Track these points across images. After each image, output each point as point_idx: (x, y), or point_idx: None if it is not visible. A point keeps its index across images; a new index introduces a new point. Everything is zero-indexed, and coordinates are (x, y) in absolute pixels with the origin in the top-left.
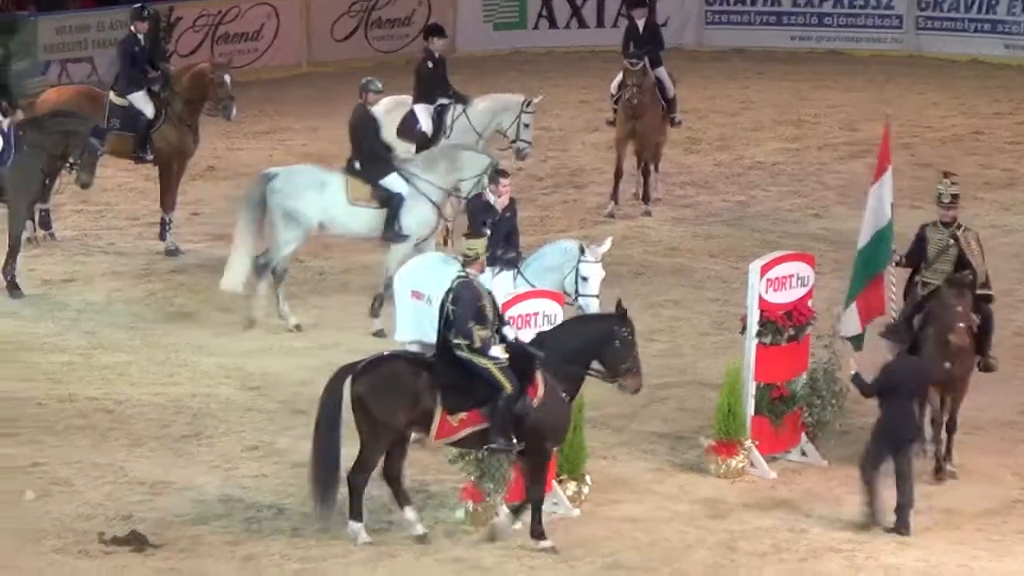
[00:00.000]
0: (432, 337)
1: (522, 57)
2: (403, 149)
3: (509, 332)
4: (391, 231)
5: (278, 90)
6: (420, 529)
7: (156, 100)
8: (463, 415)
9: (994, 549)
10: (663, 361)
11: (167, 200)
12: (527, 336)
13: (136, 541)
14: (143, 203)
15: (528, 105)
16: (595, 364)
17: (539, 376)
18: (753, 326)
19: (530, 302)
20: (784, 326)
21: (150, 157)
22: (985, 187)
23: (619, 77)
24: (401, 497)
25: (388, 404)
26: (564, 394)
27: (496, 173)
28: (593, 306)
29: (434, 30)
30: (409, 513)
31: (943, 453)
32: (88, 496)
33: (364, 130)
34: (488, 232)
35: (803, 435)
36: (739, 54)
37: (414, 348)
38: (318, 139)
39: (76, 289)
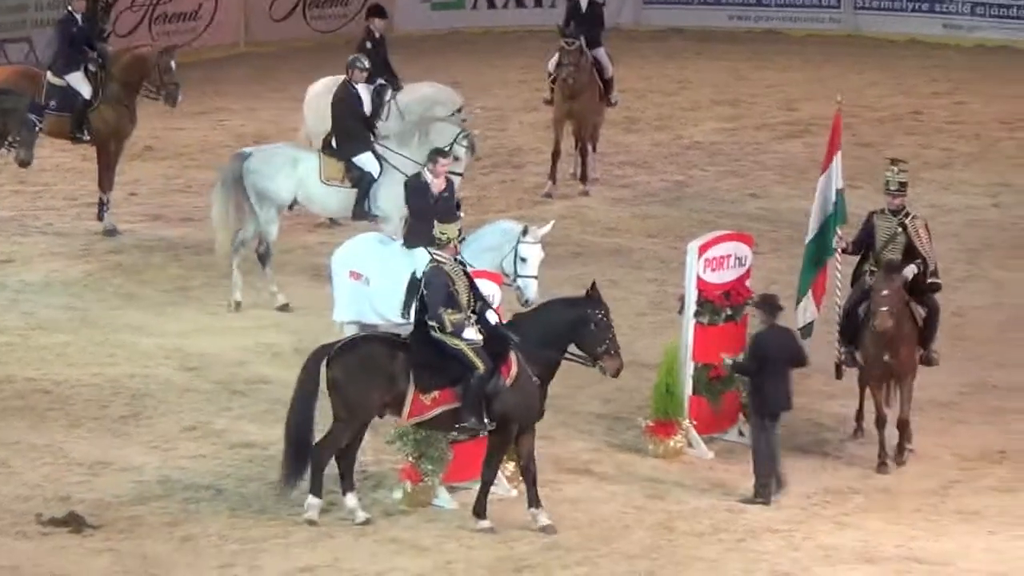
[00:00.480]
0: (371, 318)
1: (460, 37)
2: None
3: (491, 316)
4: (361, 210)
5: (216, 70)
6: (361, 516)
7: (93, 80)
8: (436, 394)
9: (932, 529)
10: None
11: (105, 180)
12: (500, 319)
13: (74, 522)
14: (81, 183)
15: (459, 112)
16: (573, 348)
17: (513, 358)
18: (691, 306)
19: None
20: (722, 306)
21: (87, 138)
22: (924, 167)
23: (556, 56)
24: (347, 482)
25: (363, 386)
26: (536, 378)
27: (435, 152)
28: (532, 287)
29: (375, 10)
30: (350, 500)
31: (884, 450)
32: (26, 477)
33: (343, 107)
34: (461, 215)
35: (740, 415)
36: (677, 34)
37: (351, 328)
38: (256, 119)
39: (14, 270)
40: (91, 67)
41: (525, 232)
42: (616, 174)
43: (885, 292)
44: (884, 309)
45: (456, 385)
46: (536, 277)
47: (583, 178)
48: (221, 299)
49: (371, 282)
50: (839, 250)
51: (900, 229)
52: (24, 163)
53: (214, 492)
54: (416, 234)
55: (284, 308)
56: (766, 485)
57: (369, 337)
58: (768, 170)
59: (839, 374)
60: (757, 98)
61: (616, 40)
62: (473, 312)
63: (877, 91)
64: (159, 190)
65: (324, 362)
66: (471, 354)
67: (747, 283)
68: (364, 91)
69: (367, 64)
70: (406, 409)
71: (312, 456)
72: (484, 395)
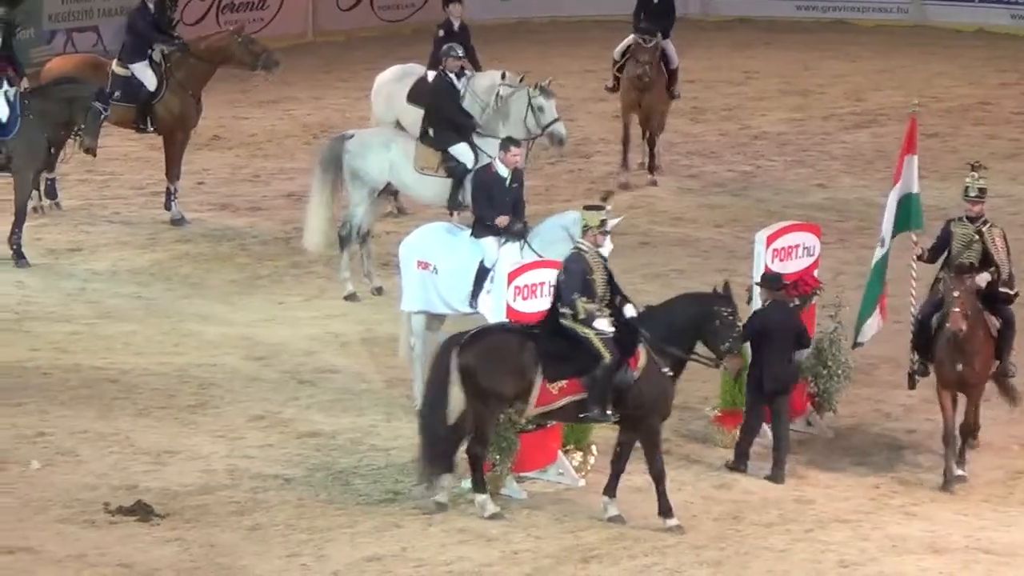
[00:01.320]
0: (439, 307)
1: (527, 26)
2: (415, 114)
3: (629, 310)
4: (455, 202)
5: (284, 59)
6: (443, 498)
7: (158, 71)
8: (563, 383)
9: (1000, 519)
10: None
11: (172, 169)
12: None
13: (142, 511)
14: (148, 172)
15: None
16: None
17: (641, 350)
18: (758, 295)
19: (536, 272)
20: (790, 296)
21: (152, 128)
22: (991, 158)
23: (625, 43)
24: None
25: (495, 374)
26: (667, 370)
27: (508, 141)
28: None
29: None
30: (445, 480)
31: (952, 467)
32: (93, 466)
33: (440, 97)
34: (608, 206)
35: (809, 405)
36: (744, 23)
37: (419, 318)
38: (323, 108)
39: (81, 259)
40: (156, 57)
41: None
42: (683, 164)
43: (956, 293)
44: (956, 310)
45: (583, 375)
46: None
47: (651, 168)
48: (288, 288)
49: (439, 271)
50: (915, 257)
51: (977, 236)
52: (89, 150)
53: (281, 481)
54: (483, 224)
55: (378, 291)
56: (742, 455)
57: (499, 326)
58: (835, 160)
59: (912, 384)
60: (824, 88)
61: (683, 30)
62: (611, 305)
63: (944, 81)
64: (226, 179)
65: (454, 352)
66: (598, 343)
67: (815, 273)
68: (457, 80)
69: (461, 53)
70: (533, 398)
71: (468, 456)
72: (611, 386)
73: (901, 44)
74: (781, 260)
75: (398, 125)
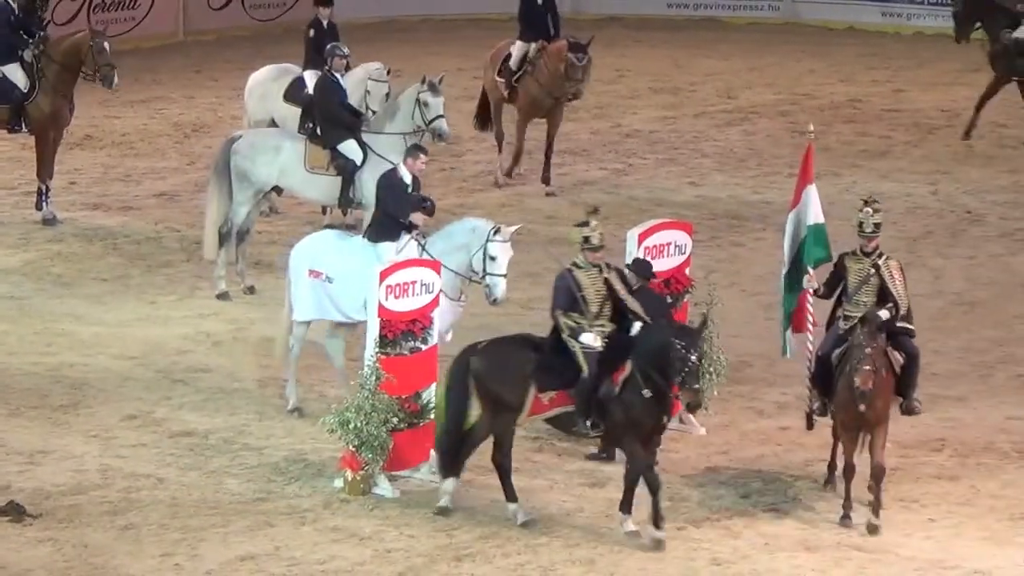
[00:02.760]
0: (335, 315)
1: (397, 25)
2: (290, 113)
3: (635, 329)
4: (346, 199)
5: (155, 59)
6: (447, 502)
7: (30, 71)
8: (553, 395)
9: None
10: (544, 331)
11: (44, 169)
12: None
13: (14, 511)
14: (19, 172)
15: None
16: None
17: (628, 367)
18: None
19: (408, 271)
20: (662, 294)
21: (25, 128)
22: (862, 155)
23: (520, 53)
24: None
25: (501, 382)
26: (647, 391)
27: (416, 148)
28: (500, 286)
29: None
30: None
31: (849, 501)
32: None
33: (326, 95)
34: (592, 221)
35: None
36: (616, 21)
37: (302, 326)
38: (195, 108)
39: None
40: (27, 57)
41: (496, 231)
42: (555, 162)
43: (869, 350)
44: (867, 368)
45: (571, 388)
46: (505, 276)
47: (549, 179)
48: (160, 288)
49: (333, 279)
50: (811, 291)
51: (873, 271)
52: None
53: (154, 481)
54: (381, 228)
55: (250, 290)
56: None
57: (511, 338)
58: (707, 158)
59: (810, 424)
60: (696, 86)
61: None
62: (617, 320)
63: (815, 79)
64: (98, 179)
65: (471, 360)
66: (580, 358)
67: (687, 271)
68: (343, 79)
69: (346, 51)
70: (526, 407)
71: (495, 467)
72: (591, 399)
73: (772, 42)
74: (653, 258)
75: (272, 124)
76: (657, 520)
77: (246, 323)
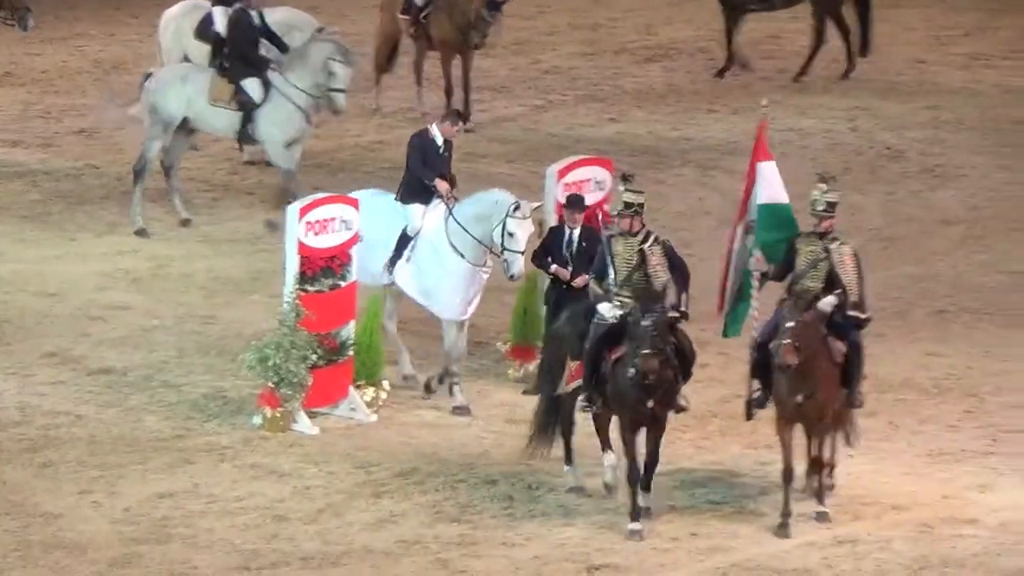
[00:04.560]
0: (362, 277)
1: None
2: (202, 50)
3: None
4: (244, 135)
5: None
6: (576, 480)
7: None
8: (577, 364)
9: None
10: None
11: None
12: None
13: None
14: None
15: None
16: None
17: (624, 346)
18: (548, 228)
19: (328, 207)
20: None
21: None
22: (782, 91)
23: None
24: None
25: (557, 349)
26: (632, 370)
27: (456, 114)
28: (518, 263)
29: None
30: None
31: (788, 508)
32: None
33: (239, 31)
34: (622, 187)
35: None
36: None
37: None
38: (114, 44)
39: None
40: None
41: (516, 208)
42: (474, 99)
43: (791, 323)
44: (787, 342)
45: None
46: (523, 252)
47: (468, 116)
48: (80, 225)
49: (364, 239)
50: (757, 275)
51: (824, 254)
52: None
53: (73, 418)
54: (410, 190)
55: (185, 223)
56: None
57: (586, 301)
58: (626, 94)
59: (749, 415)
60: (616, 22)
61: None
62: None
63: None
64: (17, 116)
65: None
66: (591, 327)
67: (606, 207)
68: (256, 16)
69: None
70: (567, 373)
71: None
72: (592, 373)
73: None
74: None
75: (186, 59)
76: (634, 512)
77: (165, 260)
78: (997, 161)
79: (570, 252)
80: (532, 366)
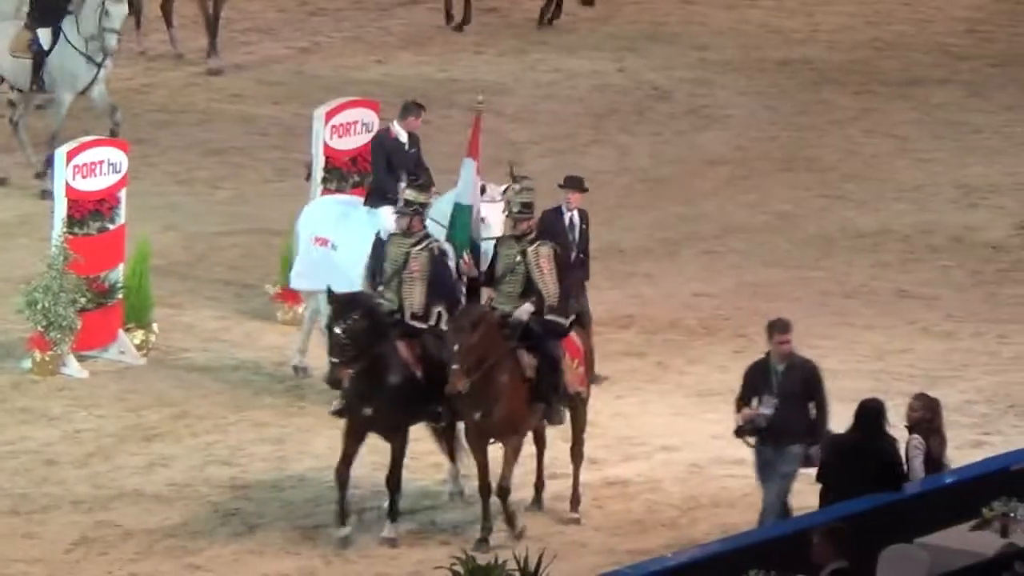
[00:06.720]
0: (336, 283)
1: None
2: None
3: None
4: (34, 79)
5: None
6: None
7: None
8: None
9: None
10: (228, 208)
11: None
12: None
13: None
14: None
15: None
16: None
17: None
18: (318, 172)
19: (95, 150)
20: (349, 172)
21: None
22: (549, 31)
23: None
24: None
25: None
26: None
27: (415, 106)
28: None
29: None
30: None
31: (488, 522)
32: None
33: None
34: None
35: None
36: None
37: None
38: None
39: None
40: None
41: (483, 191)
42: (241, 40)
43: (456, 347)
44: (456, 367)
45: None
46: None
47: (215, 51)
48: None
49: (338, 247)
50: (464, 279)
51: (520, 258)
52: None
53: None
54: (379, 194)
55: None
56: None
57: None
58: (393, 36)
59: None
60: None
61: None
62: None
63: None
64: None
65: None
66: None
67: None
68: None
69: None
70: None
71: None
72: None
73: None
74: (340, 136)
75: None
76: (393, 515)
77: None
78: (763, 102)
79: (572, 236)
80: (300, 308)
